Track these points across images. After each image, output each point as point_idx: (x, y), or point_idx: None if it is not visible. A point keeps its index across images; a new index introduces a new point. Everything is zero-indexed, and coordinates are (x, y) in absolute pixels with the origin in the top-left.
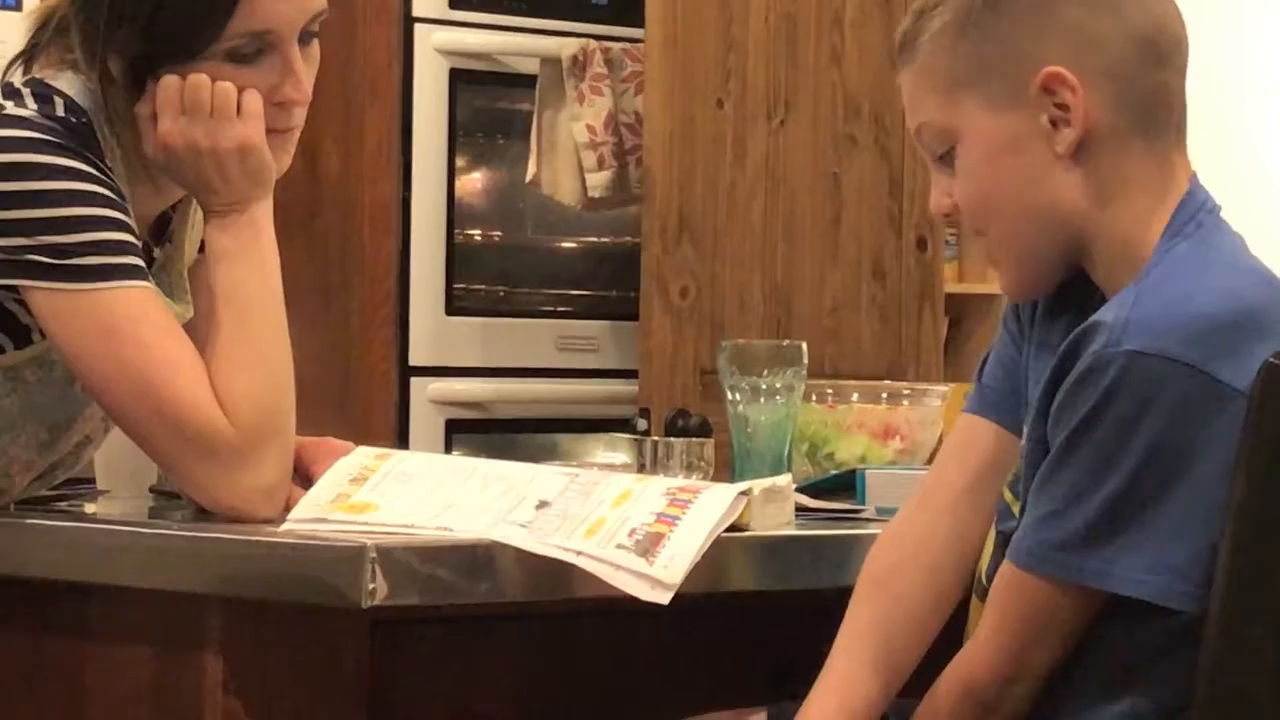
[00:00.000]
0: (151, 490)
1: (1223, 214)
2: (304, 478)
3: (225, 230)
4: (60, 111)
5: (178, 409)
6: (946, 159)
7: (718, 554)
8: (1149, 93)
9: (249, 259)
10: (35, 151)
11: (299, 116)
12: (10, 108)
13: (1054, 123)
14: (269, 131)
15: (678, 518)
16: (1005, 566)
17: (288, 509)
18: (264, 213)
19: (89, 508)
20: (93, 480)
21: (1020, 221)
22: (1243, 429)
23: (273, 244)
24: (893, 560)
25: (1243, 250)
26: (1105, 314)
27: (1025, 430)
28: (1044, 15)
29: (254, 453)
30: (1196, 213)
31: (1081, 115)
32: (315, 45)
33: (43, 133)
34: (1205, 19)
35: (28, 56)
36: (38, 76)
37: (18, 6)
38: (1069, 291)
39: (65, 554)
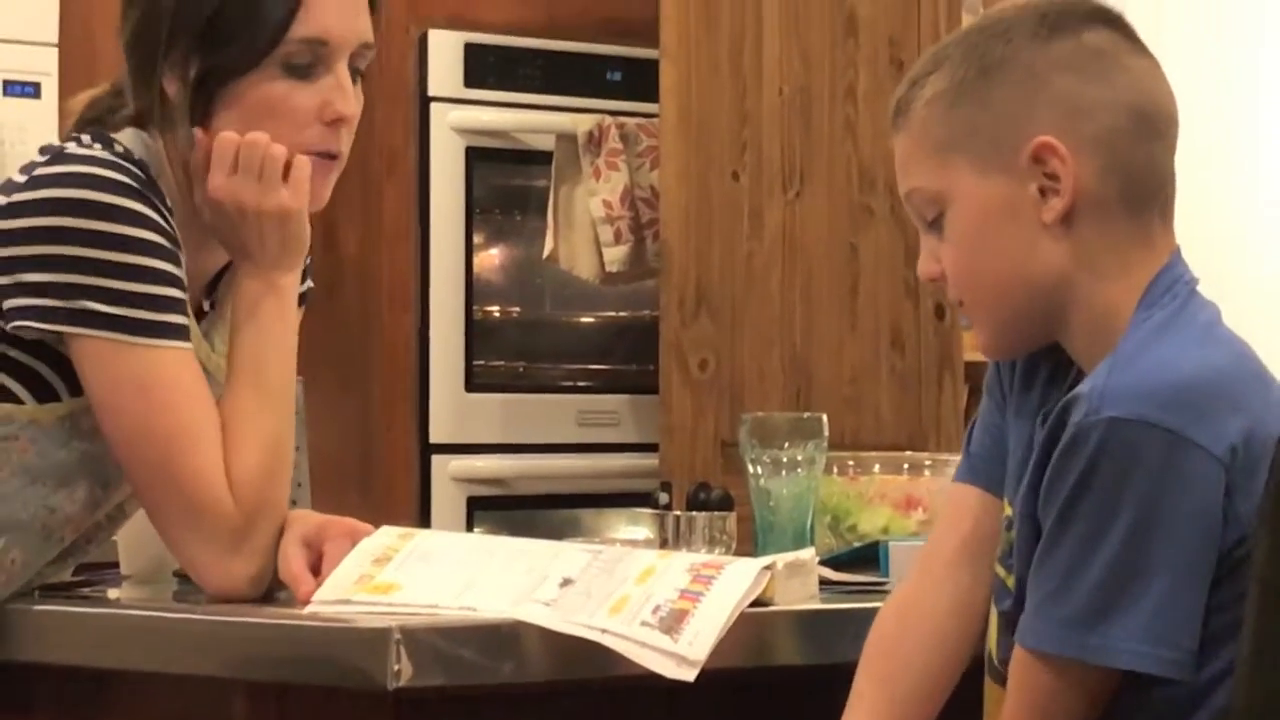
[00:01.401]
0: (175, 574)
1: (1200, 286)
2: (317, 556)
3: (252, 295)
4: (121, 151)
5: (189, 482)
6: (936, 224)
7: (742, 630)
8: (1137, 165)
9: (271, 329)
10: (98, 189)
11: (346, 142)
12: (72, 147)
13: (1043, 191)
14: (316, 156)
15: (701, 594)
16: (1017, 650)
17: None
18: (290, 285)
19: (112, 593)
20: (115, 565)
21: (1003, 286)
22: (1264, 495)
23: (295, 318)
24: (897, 631)
25: (1216, 322)
26: (1084, 386)
27: (1010, 501)
28: (1036, 83)
29: (250, 537)
30: (1173, 285)
31: (1070, 185)
32: (360, 87)
33: (107, 169)
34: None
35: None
36: (98, 129)
37: (36, 95)
38: (1042, 358)
39: (89, 640)
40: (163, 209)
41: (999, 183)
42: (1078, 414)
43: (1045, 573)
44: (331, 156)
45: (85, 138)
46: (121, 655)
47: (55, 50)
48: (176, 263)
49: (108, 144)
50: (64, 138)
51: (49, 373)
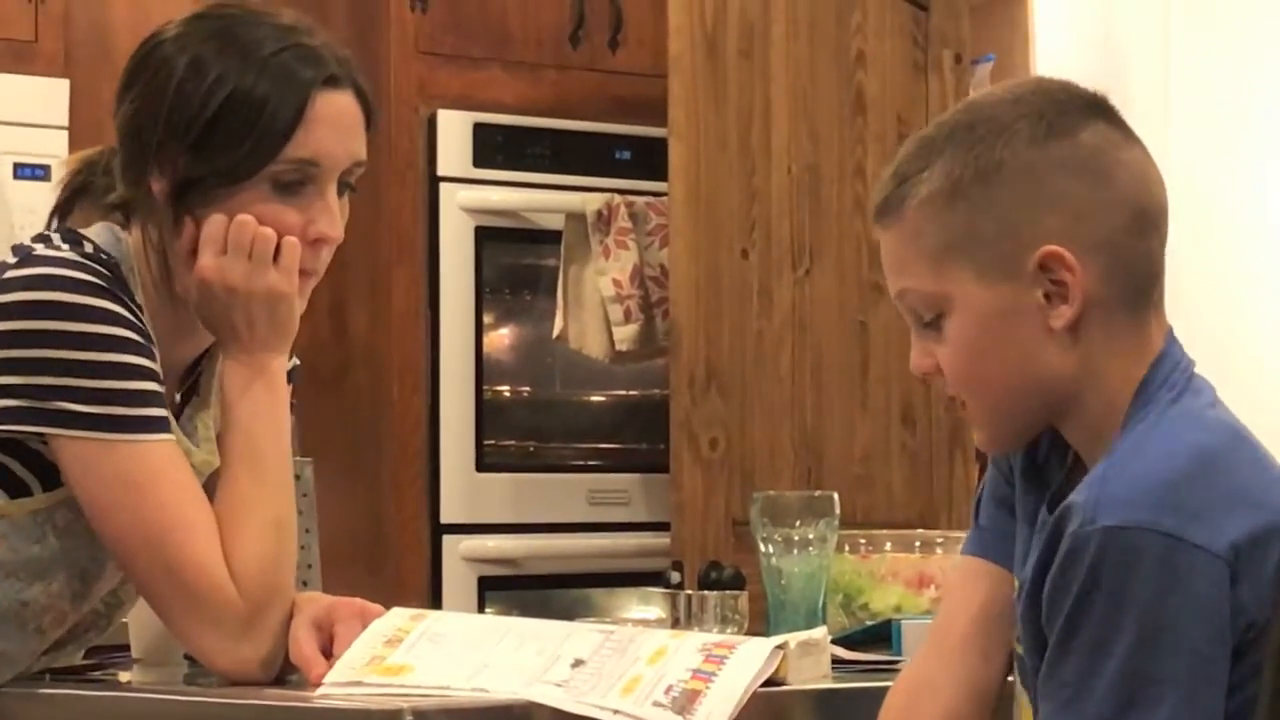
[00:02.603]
0: (185, 657)
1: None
2: (328, 638)
3: (241, 378)
4: (89, 250)
5: (189, 573)
6: (933, 324)
7: (754, 709)
8: (1138, 263)
9: (263, 412)
10: (66, 290)
11: (324, 260)
12: (40, 249)
13: (1048, 296)
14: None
15: (714, 674)
16: None
17: (318, 681)
18: (279, 366)
19: (123, 676)
20: (126, 648)
21: (1007, 389)
22: (1272, 614)
23: (286, 397)
24: (906, 712)
25: (1212, 405)
26: (1078, 495)
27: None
28: (1036, 187)
29: (257, 623)
30: (1170, 374)
31: (1080, 294)
32: (347, 200)
33: (74, 270)
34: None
35: (61, 210)
36: (67, 226)
37: (46, 177)
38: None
39: None
40: (132, 305)
41: (1003, 290)
42: (1074, 524)
43: (1056, 685)
44: (308, 274)
45: (55, 238)
46: None
47: (65, 133)
48: (151, 356)
49: (76, 243)
50: (46, 222)
51: (20, 469)
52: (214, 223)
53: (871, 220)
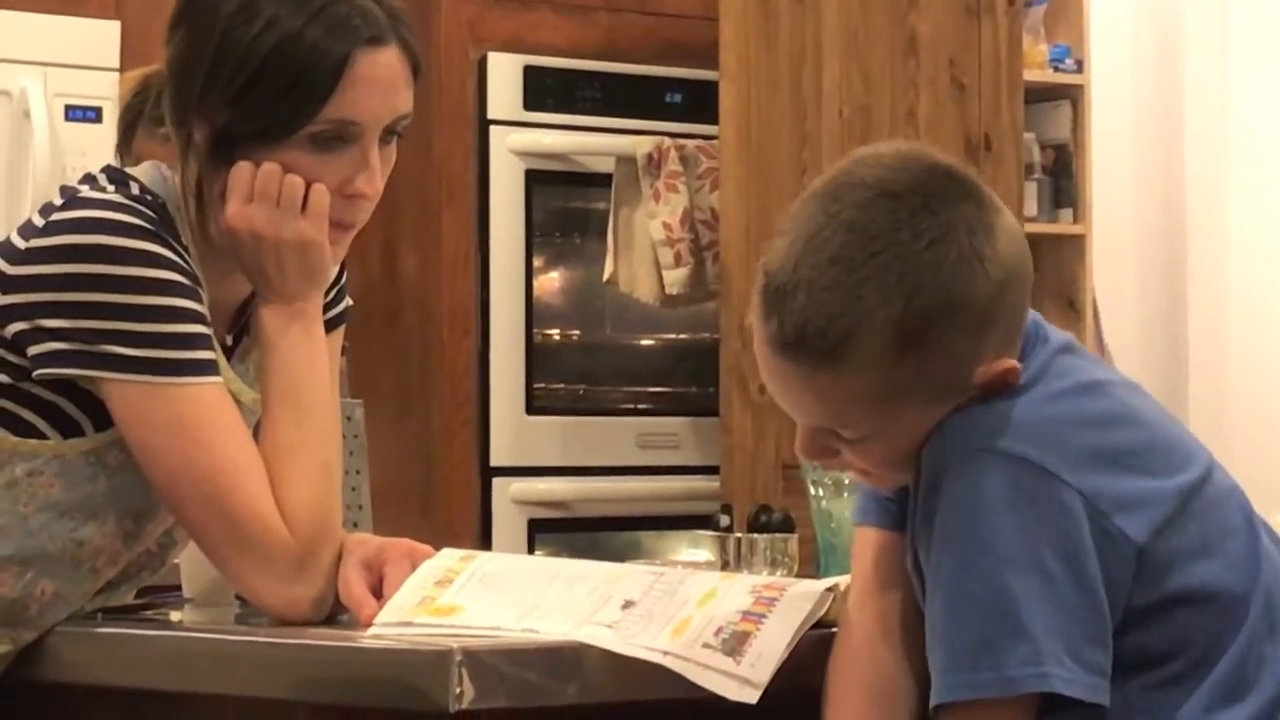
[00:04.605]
0: (236, 597)
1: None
2: (377, 578)
3: (277, 321)
4: (136, 191)
5: (240, 516)
6: (853, 443)
7: (805, 651)
8: (1021, 319)
9: (300, 355)
10: (112, 233)
11: (364, 213)
12: (86, 190)
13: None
14: (331, 225)
15: (764, 616)
16: (937, 716)
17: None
18: (314, 308)
19: (174, 616)
20: (178, 588)
21: (914, 452)
22: None
23: (323, 340)
24: (837, 651)
25: (1062, 349)
26: (931, 441)
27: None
28: (973, 318)
29: (309, 563)
30: (1033, 349)
31: (998, 374)
32: (393, 146)
33: (121, 213)
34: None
35: (123, 136)
36: (114, 165)
37: (98, 119)
38: None
39: (152, 662)
40: (179, 247)
41: (946, 405)
42: (928, 466)
43: (930, 626)
44: (346, 227)
45: (101, 178)
46: (184, 677)
47: (117, 75)
48: (198, 299)
49: (122, 184)
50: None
51: (73, 408)
52: (239, 170)
53: (776, 351)
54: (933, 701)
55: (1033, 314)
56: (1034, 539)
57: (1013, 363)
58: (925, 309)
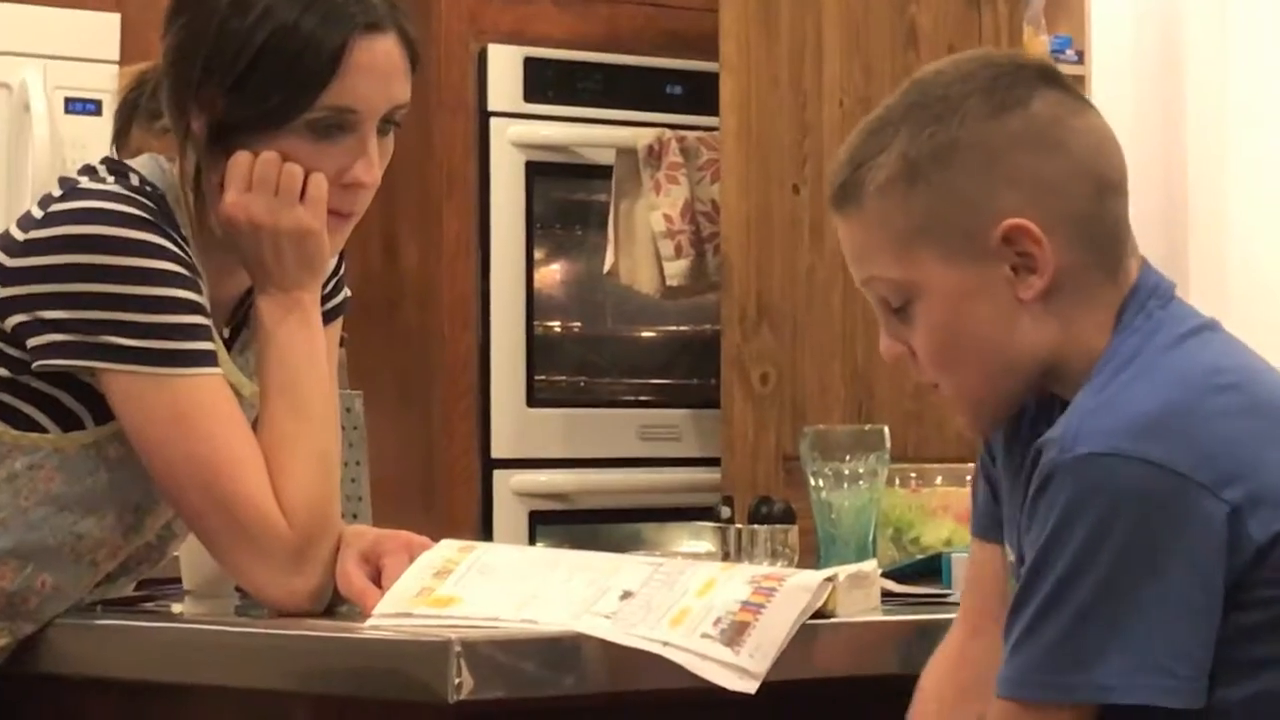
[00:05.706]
0: (236, 589)
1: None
2: (375, 570)
3: (275, 311)
4: (135, 182)
5: (239, 507)
6: (902, 310)
7: (803, 642)
8: (1104, 227)
9: (297, 346)
10: (111, 224)
11: (362, 202)
12: (85, 181)
13: (1015, 269)
14: (330, 214)
15: (762, 606)
16: (995, 704)
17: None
18: (312, 299)
19: (175, 608)
20: (178, 580)
21: (987, 369)
22: None
23: (321, 331)
24: (943, 678)
25: (1197, 331)
26: (1055, 429)
27: (1011, 547)
28: (994, 163)
29: (307, 555)
30: (1146, 302)
31: (1048, 263)
32: (391, 137)
33: (120, 203)
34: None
35: (118, 131)
36: (113, 157)
37: (98, 111)
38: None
39: (151, 654)
40: (178, 238)
41: (970, 270)
42: (1050, 454)
43: (1017, 616)
44: (345, 216)
45: (100, 169)
46: (183, 669)
47: (116, 68)
48: (197, 290)
49: (121, 175)
50: (90, 162)
51: (72, 402)
52: (238, 159)
53: (828, 207)
54: (1003, 692)
55: (1175, 293)
56: (1163, 552)
57: (1025, 222)
58: (941, 144)
